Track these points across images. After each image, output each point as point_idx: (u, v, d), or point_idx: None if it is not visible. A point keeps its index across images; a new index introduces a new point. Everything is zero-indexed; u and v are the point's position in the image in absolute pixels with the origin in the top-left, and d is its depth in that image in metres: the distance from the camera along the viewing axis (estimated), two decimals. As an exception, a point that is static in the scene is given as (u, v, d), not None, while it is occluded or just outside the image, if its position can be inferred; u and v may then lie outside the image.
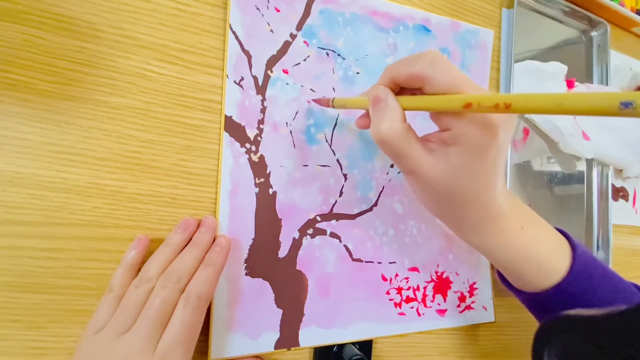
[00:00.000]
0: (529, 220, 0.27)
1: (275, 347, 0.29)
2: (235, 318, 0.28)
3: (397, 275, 0.34)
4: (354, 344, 0.32)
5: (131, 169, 0.27)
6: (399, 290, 0.34)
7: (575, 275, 0.27)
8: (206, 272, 0.25)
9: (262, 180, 0.30)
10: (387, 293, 0.33)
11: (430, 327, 0.35)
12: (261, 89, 0.30)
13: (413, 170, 0.23)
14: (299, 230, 0.31)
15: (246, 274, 0.29)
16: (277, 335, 0.29)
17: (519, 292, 0.30)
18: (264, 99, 0.30)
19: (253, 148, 0.29)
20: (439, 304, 0.36)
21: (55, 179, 0.25)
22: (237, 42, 0.29)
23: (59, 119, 0.25)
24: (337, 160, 0.32)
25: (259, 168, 0.30)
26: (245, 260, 0.29)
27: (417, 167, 0.23)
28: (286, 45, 0.31)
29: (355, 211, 0.33)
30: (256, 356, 0.29)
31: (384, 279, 0.34)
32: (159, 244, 0.26)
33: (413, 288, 0.35)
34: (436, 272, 0.36)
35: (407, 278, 0.34)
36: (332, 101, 0.29)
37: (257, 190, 0.29)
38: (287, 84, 0.31)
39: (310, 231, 0.31)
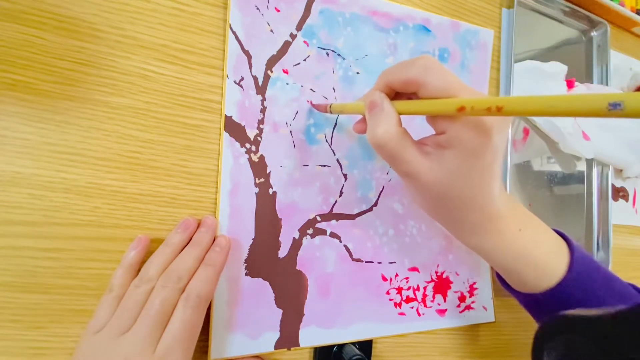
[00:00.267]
0: (527, 222, 0.27)
1: (275, 347, 0.29)
2: (235, 318, 0.28)
3: (397, 275, 0.34)
4: (354, 344, 0.32)
5: (131, 169, 0.27)
6: (399, 290, 0.34)
7: (574, 277, 0.27)
8: (206, 272, 0.25)
9: (262, 180, 0.30)
10: (387, 293, 0.33)
11: (430, 327, 0.35)
12: (261, 89, 0.30)
13: (409, 173, 0.23)
14: (299, 230, 0.31)
15: (246, 274, 0.29)
16: (277, 335, 0.29)
17: (517, 294, 0.30)
18: (264, 99, 0.30)
19: (253, 148, 0.29)
20: (439, 304, 0.36)
21: (55, 179, 0.25)
22: (237, 42, 0.29)
23: (59, 119, 0.25)
24: (337, 160, 0.32)
25: (259, 168, 0.30)
26: (245, 260, 0.29)
27: (413, 170, 0.23)
28: (286, 45, 0.31)
29: (355, 211, 0.33)
30: (256, 356, 0.29)
31: (384, 279, 0.34)
32: (159, 244, 0.26)
33: (413, 288, 0.35)
34: (436, 272, 0.36)
35: (407, 278, 0.34)
36: (330, 107, 0.29)
37: (257, 190, 0.29)
38: (287, 84, 0.31)
39: (310, 231, 0.31)
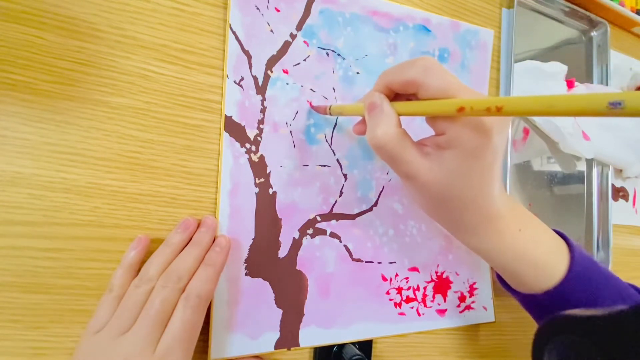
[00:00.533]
0: (527, 222, 0.27)
1: (275, 347, 0.29)
2: (235, 318, 0.28)
3: (397, 275, 0.34)
4: (354, 344, 0.32)
5: (131, 169, 0.27)
6: (399, 290, 0.34)
7: (574, 277, 0.27)
8: (206, 272, 0.25)
9: (262, 180, 0.30)
10: (387, 293, 0.33)
11: (430, 327, 0.35)
12: (261, 89, 0.30)
13: (409, 174, 0.23)
14: (299, 230, 0.31)
15: (246, 274, 0.29)
16: (277, 335, 0.29)
17: (517, 294, 0.30)
18: (264, 99, 0.30)
19: (253, 148, 0.29)
20: (439, 304, 0.36)
21: (55, 179, 0.25)
22: (237, 42, 0.29)
23: (59, 119, 0.25)
24: (337, 160, 0.32)
25: (259, 168, 0.30)
26: (245, 260, 0.29)
27: (412, 171, 0.23)
28: (286, 45, 0.31)
29: (355, 211, 0.33)
30: (256, 356, 0.29)
31: (384, 279, 0.34)
32: (159, 244, 0.26)
33: (413, 288, 0.35)
34: (436, 272, 0.36)
35: (407, 278, 0.34)
36: (329, 108, 0.29)
37: (257, 190, 0.29)
38: (287, 84, 0.31)
39: (310, 231, 0.31)
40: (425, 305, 0.35)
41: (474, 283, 0.38)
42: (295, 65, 0.31)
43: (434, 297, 0.35)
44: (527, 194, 0.43)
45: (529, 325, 0.31)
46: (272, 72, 0.30)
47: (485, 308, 0.38)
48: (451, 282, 0.36)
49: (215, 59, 0.29)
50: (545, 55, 0.46)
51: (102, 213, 0.26)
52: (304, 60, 0.31)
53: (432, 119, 0.23)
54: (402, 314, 0.34)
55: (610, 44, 0.48)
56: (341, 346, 0.31)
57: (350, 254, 0.32)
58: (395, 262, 0.34)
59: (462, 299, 0.37)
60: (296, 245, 0.30)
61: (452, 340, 0.37)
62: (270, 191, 0.30)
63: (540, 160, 0.45)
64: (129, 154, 0.27)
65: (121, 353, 0.21)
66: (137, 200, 0.27)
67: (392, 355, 0.34)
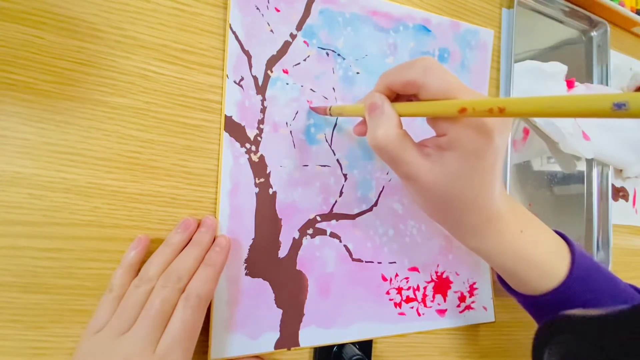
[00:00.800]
0: (528, 223, 0.27)
1: (275, 347, 0.29)
2: (235, 318, 0.28)
3: (397, 275, 0.34)
4: (354, 344, 0.32)
5: (131, 169, 0.27)
6: (399, 290, 0.34)
7: (575, 278, 0.27)
8: (206, 272, 0.25)
9: (262, 180, 0.30)
10: (387, 293, 0.33)
11: (430, 327, 0.35)
12: (261, 89, 0.30)
13: (410, 175, 0.23)
14: (299, 230, 0.31)
15: (246, 274, 0.29)
16: (277, 335, 0.29)
17: (518, 295, 0.30)
18: (264, 99, 0.30)
19: (253, 148, 0.29)
20: (439, 304, 0.36)
21: (55, 179, 0.25)
22: (237, 42, 0.29)
23: (59, 119, 0.25)
24: (337, 160, 0.32)
25: (259, 168, 0.30)
26: (245, 260, 0.29)
27: (413, 172, 0.23)
28: (286, 45, 0.31)
29: (355, 211, 0.33)
30: (256, 356, 0.29)
31: (384, 279, 0.34)
32: (159, 244, 0.26)
33: (413, 288, 0.35)
34: (436, 272, 0.36)
35: (407, 278, 0.34)
36: (329, 109, 0.29)
37: (257, 190, 0.29)
38: (287, 84, 0.31)
39: (310, 231, 0.31)
40: (425, 305, 0.35)
41: (474, 283, 0.38)
42: (295, 65, 0.31)
43: (434, 297, 0.35)
44: (527, 194, 0.43)
45: (529, 325, 0.31)
46: (272, 72, 0.30)
47: (485, 308, 0.38)
48: (451, 282, 0.36)
49: (215, 59, 0.29)
50: (545, 55, 0.46)
51: (102, 213, 0.26)
52: (304, 60, 0.31)
53: (433, 120, 0.23)
54: (402, 314, 0.34)
55: (610, 44, 0.48)
56: (341, 346, 0.31)
57: (350, 254, 0.32)
58: (395, 262, 0.34)
59: (462, 299, 0.37)
60: (296, 245, 0.30)
61: (452, 340, 0.37)
62: (270, 191, 0.30)
63: (540, 160, 0.45)
64: (129, 154, 0.27)
65: (121, 353, 0.21)
66: (137, 200, 0.27)
67: (392, 355, 0.34)
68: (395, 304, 0.34)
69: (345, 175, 0.33)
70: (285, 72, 0.31)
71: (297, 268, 0.30)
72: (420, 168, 0.23)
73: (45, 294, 0.24)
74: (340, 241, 0.32)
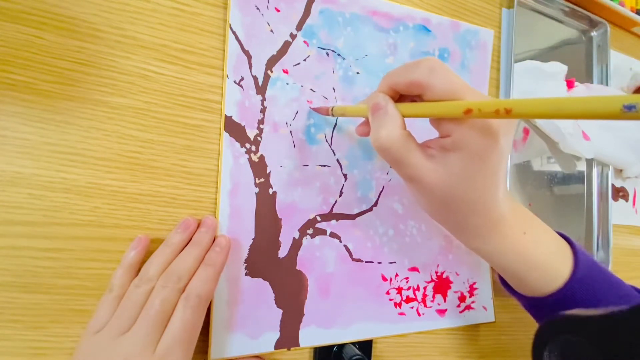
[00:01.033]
0: (531, 225, 0.27)
1: (275, 347, 0.29)
2: (235, 318, 0.28)
3: (397, 275, 0.34)
4: (354, 344, 0.32)
5: (131, 169, 0.27)
6: (399, 290, 0.34)
7: (577, 280, 0.26)
8: (206, 272, 0.25)
9: (262, 180, 0.30)
10: (387, 293, 0.33)
11: (430, 327, 0.35)
12: (261, 89, 0.30)
13: (413, 176, 0.23)
14: (299, 230, 0.31)
15: (246, 274, 0.29)
16: (277, 335, 0.29)
17: (520, 297, 0.30)
18: (264, 99, 0.30)
19: (253, 148, 0.29)
20: (439, 304, 0.36)
21: (55, 179, 0.25)
22: (237, 42, 0.29)
23: (59, 119, 0.25)
24: (337, 160, 0.32)
25: (259, 168, 0.30)
26: (245, 260, 0.29)
27: (417, 174, 0.23)
28: (286, 45, 0.31)
29: (355, 211, 0.33)
30: (256, 356, 0.29)
31: (384, 279, 0.34)
32: (159, 244, 0.26)
33: (413, 288, 0.35)
34: (436, 272, 0.36)
35: (407, 278, 0.34)
36: (332, 109, 0.29)
37: (257, 190, 0.29)
38: (287, 84, 0.31)
39: (310, 231, 0.31)
40: (425, 305, 0.35)
41: (474, 283, 0.38)
42: (295, 65, 0.31)
43: (434, 297, 0.35)
44: (527, 194, 0.43)
45: (529, 325, 0.31)
46: (272, 72, 0.30)
47: (485, 308, 0.38)
48: (451, 282, 0.36)
49: (215, 59, 0.29)
50: (545, 55, 0.46)
51: (102, 213, 0.26)
52: (304, 60, 0.31)
53: (437, 121, 0.23)
54: (402, 314, 0.34)
55: (610, 44, 0.48)
56: (341, 346, 0.31)
57: (350, 254, 0.32)
58: (395, 262, 0.34)
59: (462, 299, 0.37)
60: (296, 245, 0.30)
61: (452, 340, 0.37)
62: (270, 191, 0.30)
63: (540, 160, 0.45)
64: (129, 154, 0.27)
65: (121, 353, 0.21)
66: (137, 200, 0.27)
67: (392, 355, 0.34)
68: (395, 304, 0.34)
69: (345, 175, 0.33)
70: (285, 72, 0.31)
71: (297, 268, 0.30)
72: (424, 169, 0.22)
73: (45, 294, 0.24)
74: (340, 241, 0.32)
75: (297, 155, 0.31)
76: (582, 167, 0.47)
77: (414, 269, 0.35)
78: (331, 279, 0.31)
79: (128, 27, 0.27)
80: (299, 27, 0.31)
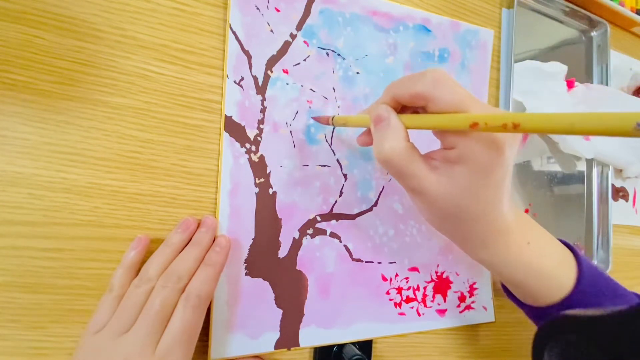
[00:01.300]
0: (535, 235, 0.27)
1: (275, 347, 0.29)
2: (235, 318, 0.28)
3: (397, 275, 0.34)
4: (354, 344, 0.32)
5: (131, 169, 0.27)
6: (399, 290, 0.34)
7: (582, 290, 0.26)
8: (206, 272, 0.25)
9: (262, 180, 0.30)
10: (387, 293, 0.33)
11: (430, 327, 0.35)
12: (261, 89, 0.30)
13: (417, 188, 0.23)
14: (299, 230, 0.31)
15: (246, 274, 0.29)
16: (277, 335, 0.29)
17: (524, 306, 0.30)
18: (264, 99, 0.30)
19: (253, 148, 0.29)
20: (439, 304, 0.36)
21: (55, 179, 0.25)
22: (237, 42, 0.29)
23: (59, 119, 0.25)
24: (337, 160, 0.32)
25: (259, 168, 0.30)
26: (245, 260, 0.29)
27: (421, 186, 0.22)
28: (286, 45, 0.31)
29: (355, 211, 0.33)
30: (256, 356, 0.29)
31: (384, 279, 0.34)
32: (159, 244, 0.26)
33: (413, 288, 0.35)
34: (436, 272, 0.36)
35: (407, 278, 0.34)
36: (332, 119, 0.29)
37: (257, 190, 0.29)
38: (287, 84, 0.31)
39: (310, 231, 0.31)
40: (425, 305, 0.35)
41: (474, 283, 0.38)
42: (295, 65, 0.31)
43: (434, 297, 0.35)
44: (527, 194, 0.43)
45: (529, 325, 0.31)
46: (272, 72, 0.30)
47: (485, 308, 0.38)
48: (451, 282, 0.36)
49: (215, 59, 0.29)
50: (545, 55, 0.46)
51: (102, 213, 0.26)
52: (304, 60, 0.31)
53: (441, 132, 0.22)
54: (402, 314, 0.34)
55: (610, 44, 0.48)
56: (341, 346, 0.31)
57: (350, 254, 0.32)
58: (395, 262, 0.34)
59: (462, 299, 0.37)
60: (296, 245, 0.30)
61: (452, 340, 0.37)
62: (270, 191, 0.30)
63: (540, 160, 0.45)
64: (129, 154, 0.27)
65: (121, 353, 0.21)
66: (137, 200, 0.27)
67: (392, 355, 0.34)
68: (395, 304, 0.34)
69: (345, 175, 0.33)
70: (285, 72, 0.31)
71: (297, 268, 0.30)
72: (428, 182, 0.22)
73: (45, 294, 0.24)
74: (340, 241, 0.32)
75: (297, 155, 0.31)
76: (582, 167, 0.47)
77: (414, 269, 0.35)
78: (331, 279, 0.31)
79: (128, 27, 0.27)
80: (299, 27, 0.31)
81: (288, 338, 0.29)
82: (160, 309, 0.23)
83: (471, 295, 0.37)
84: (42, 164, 0.25)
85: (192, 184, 0.28)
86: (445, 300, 0.36)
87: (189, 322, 0.23)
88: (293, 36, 0.31)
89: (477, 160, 0.21)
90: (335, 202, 0.32)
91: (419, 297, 0.35)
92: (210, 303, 0.27)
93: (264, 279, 0.29)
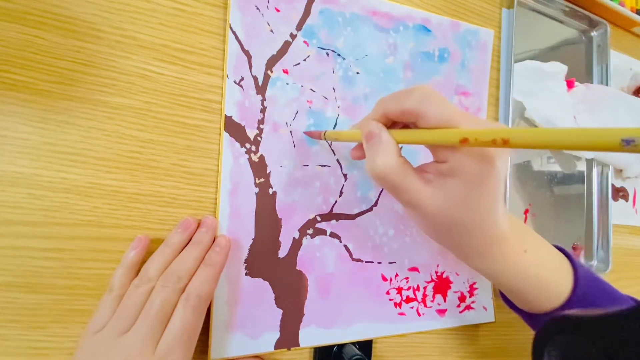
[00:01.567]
0: (531, 242, 0.27)
1: (275, 347, 0.29)
2: (235, 318, 0.28)
3: (397, 275, 0.34)
4: (354, 344, 0.32)
5: (131, 169, 0.27)
6: (399, 290, 0.34)
7: (579, 296, 0.27)
8: (206, 272, 0.25)
9: (262, 180, 0.30)
10: (387, 293, 0.33)
11: (430, 327, 0.35)
12: (261, 89, 0.30)
13: (412, 202, 0.23)
14: (299, 230, 0.31)
15: (246, 274, 0.29)
16: (277, 335, 0.29)
17: (522, 313, 0.30)
18: (264, 99, 0.30)
19: (253, 148, 0.29)
20: (439, 304, 0.36)
21: (55, 179, 0.25)
22: (237, 42, 0.29)
23: (59, 119, 0.25)
24: (337, 160, 0.32)
25: (259, 168, 0.30)
26: (245, 260, 0.29)
27: (415, 199, 0.23)
28: (286, 45, 0.31)
29: (355, 211, 0.33)
30: (256, 356, 0.29)
31: (384, 279, 0.34)
32: (159, 244, 0.26)
33: (413, 288, 0.35)
34: (436, 272, 0.36)
35: (407, 278, 0.34)
36: (324, 134, 0.29)
37: (257, 190, 0.29)
38: (287, 84, 0.31)
39: (310, 231, 0.31)
40: (425, 305, 0.35)
41: (474, 283, 0.38)
42: (295, 65, 0.31)
43: (434, 297, 0.35)
44: (527, 194, 0.43)
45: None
46: (272, 72, 0.30)
47: (485, 308, 0.38)
48: (451, 282, 0.36)
49: (215, 59, 0.29)
50: (545, 55, 0.46)
51: (102, 213, 0.26)
52: (304, 60, 0.31)
53: (433, 146, 0.22)
54: (402, 314, 0.34)
55: (610, 44, 0.48)
56: (341, 346, 0.31)
57: (350, 254, 0.32)
58: (395, 262, 0.34)
59: (462, 299, 0.37)
60: (296, 245, 0.30)
61: (452, 340, 0.37)
62: (270, 191, 0.30)
63: (540, 160, 0.45)
64: (129, 154, 0.27)
65: (121, 353, 0.21)
66: (137, 200, 0.27)
67: (392, 355, 0.34)
68: (395, 304, 0.34)
69: (345, 175, 0.33)
70: (285, 72, 0.31)
71: (297, 268, 0.30)
72: (422, 195, 0.22)
73: (45, 294, 0.24)
74: (340, 241, 0.32)
75: (297, 155, 0.31)
76: (582, 167, 0.47)
77: (414, 269, 0.35)
78: (331, 279, 0.31)
79: (128, 27, 0.27)
80: (299, 27, 0.31)
81: (288, 338, 0.29)
82: (160, 309, 0.23)
83: (471, 295, 0.37)
84: (42, 164, 0.25)
85: (192, 184, 0.28)
86: (445, 300, 0.36)
87: (189, 322, 0.23)
88: (293, 36, 0.31)
89: (469, 173, 0.21)
90: (335, 202, 0.32)
91: (419, 297, 0.35)
92: (210, 303, 0.27)
93: (264, 279, 0.29)
